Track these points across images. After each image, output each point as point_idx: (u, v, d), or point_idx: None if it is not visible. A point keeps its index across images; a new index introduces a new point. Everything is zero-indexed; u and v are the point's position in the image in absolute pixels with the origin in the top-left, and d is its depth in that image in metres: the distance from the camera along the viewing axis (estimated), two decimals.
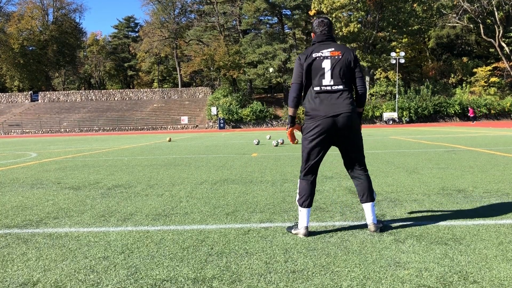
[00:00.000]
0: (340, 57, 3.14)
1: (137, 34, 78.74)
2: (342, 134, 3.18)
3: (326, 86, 3.14)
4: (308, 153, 3.26)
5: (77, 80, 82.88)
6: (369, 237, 3.15)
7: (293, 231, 3.29)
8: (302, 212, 3.25)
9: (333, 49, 3.17)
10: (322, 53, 3.16)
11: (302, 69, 3.17)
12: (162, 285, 2.37)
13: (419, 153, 9.84)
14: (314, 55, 3.16)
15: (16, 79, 70.26)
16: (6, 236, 3.48)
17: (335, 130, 3.15)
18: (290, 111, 3.28)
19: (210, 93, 58.78)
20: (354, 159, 3.32)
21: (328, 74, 3.12)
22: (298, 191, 3.31)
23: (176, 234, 3.40)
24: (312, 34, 3.38)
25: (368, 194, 3.29)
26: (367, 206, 3.30)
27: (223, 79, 61.91)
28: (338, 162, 8.37)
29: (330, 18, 46.47)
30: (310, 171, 3.28)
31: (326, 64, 3.13)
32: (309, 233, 3.27)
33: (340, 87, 3.14)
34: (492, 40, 51.65)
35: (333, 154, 10.33)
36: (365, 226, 3.48)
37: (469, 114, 43.91)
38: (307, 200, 3.25)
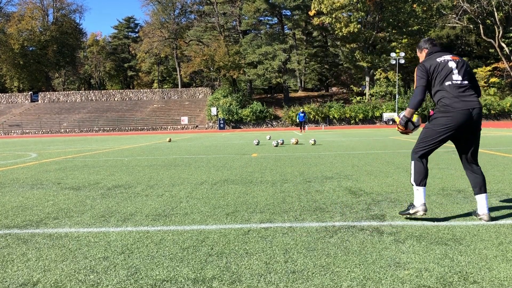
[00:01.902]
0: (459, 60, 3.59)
1: (137, 35, 78.75)
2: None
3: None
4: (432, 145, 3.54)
5: (77, 81, 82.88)
6: (369, 238, 3.15)
7: (410, 211, 3.56)
8: (420, 190, 3.52)
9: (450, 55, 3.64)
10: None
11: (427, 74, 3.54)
12: (162, 286, 2.37)
13: None
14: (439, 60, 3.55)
15: (16, 79, 70.25)
16: (6, 237, 3.48)
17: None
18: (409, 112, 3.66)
19: (210, 93, 58.78)
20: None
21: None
22: (413, 171, 3.55)
23: (176, 234, 3.40)
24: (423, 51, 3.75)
25: (484, 186, 3.55)
26: (482, 197, 3.51)
27: (223, 79, 61.91)
28: (338, 162, 8.37)
29: (330, 19, 46.83)
30: (427, 154, 3.58)
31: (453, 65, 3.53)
32: (308, 233, 3.27)
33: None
34: (492, 41, 51.66)
35: (333, 155, 10.33)
36: (365, 226, 3.48)
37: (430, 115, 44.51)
38: (425, 179, 3.53)
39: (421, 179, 3.52)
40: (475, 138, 3.51)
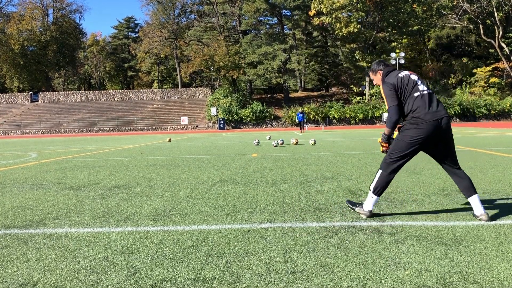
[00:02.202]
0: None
1: (137, 35, 78.73)
2: None
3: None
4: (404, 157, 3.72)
5: (77, 81, 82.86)
6: (369, 238, 3.15)
7: (356, 209, 3.82)
8: (373, 198, 3.72)
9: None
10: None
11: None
12: (162, 286, 2.37)
13: (419, 154, 9.83)
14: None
15: (16, 79, 70.23)
16: (6, 237, 3.48)
17: None
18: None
19: (210, 93, 58.77)
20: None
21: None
22: (377, 180, 3.69)
23: (176, 234, 3.40)
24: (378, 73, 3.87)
25: (472, 187, 3.61)
26: (474, 198, 3.55)
27: (223, 79, 61.89)
28: (338, 162, 8.37)
29: (330, 19, 46.82)
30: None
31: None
32: (308, 233, 3.27)
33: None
34: (492, 41, 51.66)
35: (333, 155, 10.33)
36: (365, 226, 3.48)
37: None
38: (383, 191, 3.72)
39: (379, 190, 3.68)
40: (448, 145, 3.61)
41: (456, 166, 3.66)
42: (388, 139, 3.74)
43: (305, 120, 32.90)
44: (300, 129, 32.07)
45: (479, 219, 3.54)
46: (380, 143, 3.83)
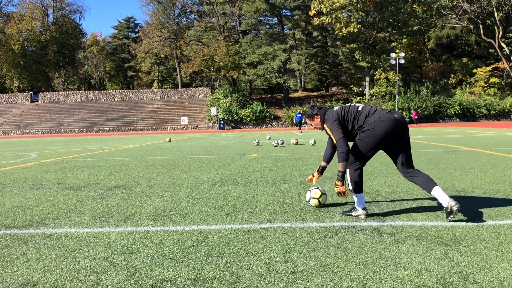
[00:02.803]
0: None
1: (137, 35, 78.73)
2: None
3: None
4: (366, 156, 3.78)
5: (77, 81, 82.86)
6: (369, 238, 3.15)
7: (353, 214, 3.79)
8: (360, 196, 3.78)
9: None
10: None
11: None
12: (162, 286, 2.37)
13: (419, 154, 9.84)
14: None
15: (16, 79, 70.22)
16: (6, 237, 3.48)
17: None
18: (343, 165, 3.68)
19: (210, 93, 58.77)
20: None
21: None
22: (350, 180, 3.76)
23: (176, 234, 3.40)
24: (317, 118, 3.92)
25: (431, 179, 3.63)
26: (438, 189, 3.51)
27: (223, 79, 61.88)
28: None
29: (330, 19, 46.81)
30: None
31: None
32: (308, 233, 3.27)
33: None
34: (492, 41, 51.65)
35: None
36: (365, 226, 3.48)
37: (412, 116, 45.00)
38: (362, 184, 3.81)
39: (358, 187, 3.75)
40: (406, 144, 3.70)
41: (411, 165, 3.75)
42: (343, 176, 3.69)
43: (302, 120, 33.08)
44: (299, 128, 32.23)
45: (451, 211, 3.39)
46: (335, 185, 3.76)
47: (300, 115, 32.38)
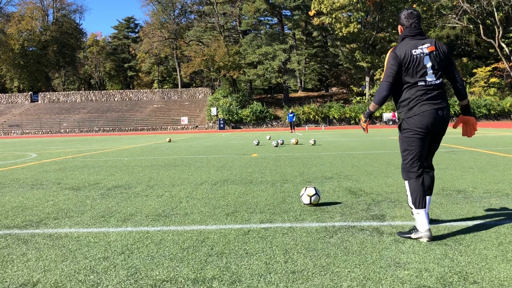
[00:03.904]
0: (436, 52, 3.11)
1: (137, 35, 78.75)
2: (440, 129, 3.17)
3: (430, 81, 3.09)
4: (416, 150, 3.14)
5: (77, 81, 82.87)
6: (369, 238, 3.15)
7: (413, 236, 3.08)
8: (420, 214, 3.08)
9: (428, 44, 3.12)
10: (422, 49, 3.09)
11: (398, 68, 3.09)
12: (162, 286, 2.37)
13: None
14: (415, 52, 3.08)
15: (16, 79, 70.21)
16: (6, 237, 3.48)
17: (436, 125, 3.11)
18: (374, 107, 3.24)
19: (210, 93, 58.77)
20: (432, 155, 3.39)
21: (430, 70, 3.09)
22: (409, 193, 3.14)
23: (176, 234, 3.40)
24: (399, 27, 3.27)
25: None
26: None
27: (223, 79, 61.90)
28: (338, 162, 8.37)
29: (330, 19, 46.87)
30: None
31: (427, 61, 3.08)
32: (308, 233, 3.26)
33: (439, 81, 3.12)
34: (491, 41, 51.64)
35: (333, 155, 10.33)
36: (365, 226, 3.48)
37: (391, 117, 45.74)
38: (424, 198, 3.12)
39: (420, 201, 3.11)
40: (440, 138, 3.32)
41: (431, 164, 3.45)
42: (370, 115, 3.35)
43: (294, 120, 33.19)
44: (291, 129, 32.26)
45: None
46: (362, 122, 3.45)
47: (292, 115, 32.35)
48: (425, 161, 3.29)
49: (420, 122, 3.07)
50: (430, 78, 3.07)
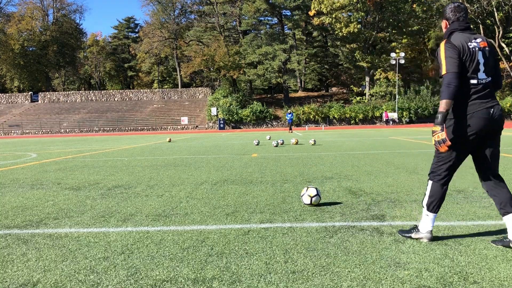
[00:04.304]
0: (488, 48, 2.89)
1: (137, 35, 78.74)
2: (493, 132, 2.88)
3: (481, 79, 2.84)
4: (455, 155, 2.91)
5: (77, 81, 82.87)
6: (369, 238, 3.15)
7: (413, 235, 3.08)
8: (429, 216, 3.03)
9: (480, 39, 2.89)
10: (476, 43, 2.86)
11: (459, 58, 2.79)
12: (162, 286, 2.37)
13: (419, 154, 9.84)
14: (470, 45, 2.84)
15: (16, 79, 70.21)
16: (6, 237, 3.48)
17: (488, 127, 2.82)
18: (446, 103, 2.76)
19: (210, 93, 58.77)
20: (495, 163, 2.98)
21: (482, 67, 2.85)
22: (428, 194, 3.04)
23: (176, 234, 3.40)
24: (444, 22, 3.03)
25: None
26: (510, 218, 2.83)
27: (223, 79, 61.90)
28: (338, 162, 8.37)
29: (330, 19, 46.88)
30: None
31: (480, 56, 2.85)
32: (308, 233, 3.26)
33: (489, 80, 2.87)
34: (492, 41, 51.56)
35: (333, 155, 10.33)
36: (365, 226, 3.48)
37: (384, 118, 45.76)
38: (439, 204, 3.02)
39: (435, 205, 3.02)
40: (497, 142, 2.96)
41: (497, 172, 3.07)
42: (444, 118, 2.80)
43: (292, 121, 33.14)
44: (289, 128, 32.21)
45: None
46: (434, 134, 2.84)
47: (291, 115, 32.31)
48: (490, 171, 2.98)
49: (471, 125, 2.79)
50: (482, 75, 2.84)
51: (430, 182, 3.04)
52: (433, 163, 3.06)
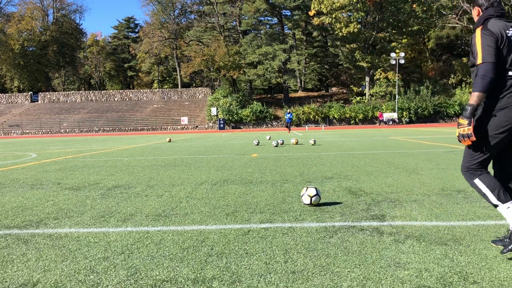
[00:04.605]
0: None
1: (137, 35, 78.74)
2: None
3: None
4: (487, 151, 2.68)
5: (77, 81, 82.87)
6: (369, 238, 3.15)
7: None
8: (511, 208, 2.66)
9: None
10: None
11: (497, 47, 2.56)
12: (162, 286, 2.37)
13: (419, 154, 9.84)
14: (508, 33, 2.59)
15: (16, 79, 70.22)
16: (6, 237, 3.48)
17: None
18: (479, 96, 2.55)
19: (210, 93, 58.79)
20: None
21: None
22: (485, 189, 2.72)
23: (176, 234, 3.40)
24: (476, 9, 2.79)
25: None
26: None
27: (223, 79, 61.91)
28: (338, 162, 8.37)
29: (330, 19, 46.87)
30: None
31: None
32: (308, 233, 3.27)
33: None
34: None
35: (333, 155, 10.33)
36: (365, 226, 3.48)
37: (379, 117, 46.06)
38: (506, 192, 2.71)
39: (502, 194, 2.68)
40: None
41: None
42: (473, 112, 2.59)
43: (291, 121, 33.15)
44: (288, 129, 32.18)
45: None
46: (459, 126, 2.65)
47: (290, 115, 32.29)
48: (508, 170, 2.76)
49: (506, 118, 2.56)
50: None
51: (477, 180, 2.72)
52: (465, 161, 2.79)
